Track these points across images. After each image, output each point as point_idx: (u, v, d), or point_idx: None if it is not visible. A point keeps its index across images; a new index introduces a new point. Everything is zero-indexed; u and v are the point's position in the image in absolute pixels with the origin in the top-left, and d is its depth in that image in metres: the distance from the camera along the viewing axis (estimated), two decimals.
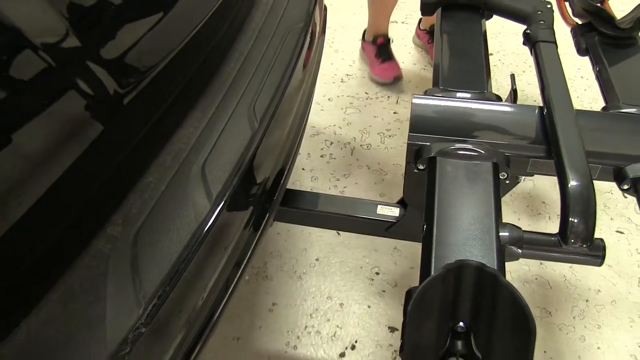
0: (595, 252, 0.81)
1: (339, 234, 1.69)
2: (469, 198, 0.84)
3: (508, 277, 1.59)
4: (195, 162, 0.76)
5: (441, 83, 1.08)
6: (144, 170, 0.73)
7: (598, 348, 1.46)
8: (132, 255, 0.64)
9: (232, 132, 0.82)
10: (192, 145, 0.79)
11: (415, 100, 0.98)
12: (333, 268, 1.61)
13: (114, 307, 0.59)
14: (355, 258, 1.62)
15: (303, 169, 1.92)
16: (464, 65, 1.12)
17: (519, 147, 0.93)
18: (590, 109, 1.03)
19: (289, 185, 1.13)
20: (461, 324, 0.70)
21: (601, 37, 1.23)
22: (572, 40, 1.31)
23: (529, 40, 1.15)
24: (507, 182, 0.98)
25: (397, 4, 2.23)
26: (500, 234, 0.80)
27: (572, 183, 0.82)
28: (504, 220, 0.84)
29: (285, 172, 0.98)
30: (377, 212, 1.16)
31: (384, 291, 1.55)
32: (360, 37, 2.43)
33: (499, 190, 0.87)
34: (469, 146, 0.91)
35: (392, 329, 1.46)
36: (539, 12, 1.20)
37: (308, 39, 1.07)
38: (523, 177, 0.99)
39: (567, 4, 1.39)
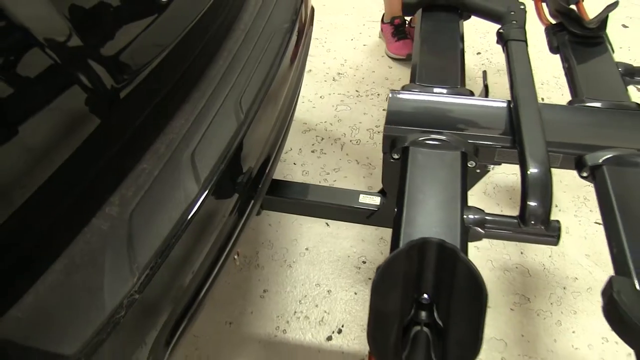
0: (551, 233, 0.89)
1: (327, 224, 1.77)
2: (437, 184, 0.92)
3: (490, 266, 1.68)
4: (186, 150, 0.84)
5: (417, 79, 1.15)
6: (139, 158, 0.81)
7: (573, 332, 1.54)
8: (127, 232, 0.71)
9: (219, 124, 0.90)
10: (183, 135, 0.86)
11: (392, 95, 1.06)
12: (322, 257, 1.68)
13: (110, 276, 0.67)
14: (343, 248, 1.70)
15: (294, 163, 1.99)
16: (440, 62, 1.20)
17: (486, 138, 1.01)
18: (557, 103, 1.11)
19: (280, 178, 1.20)
20: (425, 296, 0.78)
21: (571, 36, 1.30)
22: (545, 38, 1.39)
23: (502, 38, 1.23)
24: (478, 171, 1.06)
25: None
26: (465, 216, 0.88)
27: (532, 170, 0.90)
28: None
29: (271, 162, 1.05)
30: (359, 201, 1.23)
31: (370, 279, 1.62)
32: (380, 21, 2.63)
33: (466, 176, 0.95)
34: (440, 137, 0.99)
35: None
36: (512, 13, 1.28)
37: (293, 39, 1.14)
38: (492, 166, 1.06)
39: (543, 4, 1.48)
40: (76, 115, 0.71)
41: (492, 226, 0.89)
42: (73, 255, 0.68)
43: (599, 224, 1.83)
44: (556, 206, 1.85)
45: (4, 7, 0.59)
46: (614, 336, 1.40)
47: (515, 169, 0.97)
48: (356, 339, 1.49)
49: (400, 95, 1.07)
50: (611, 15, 1.32)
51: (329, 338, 1.49)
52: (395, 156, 1.01)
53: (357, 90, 2.36)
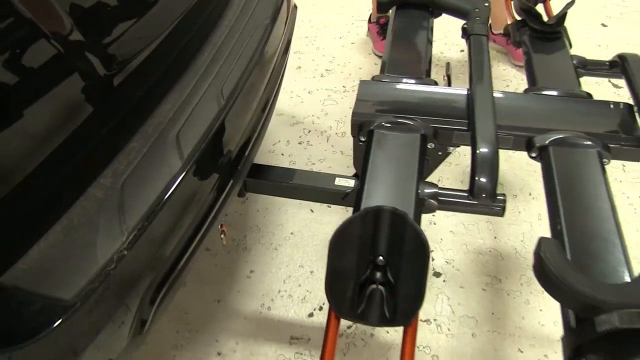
0: (497, 204, 1.00)
1: (312, 211, 1.88)
2: (397, 162, 1.03)
3: (464, 249, 1.79)
4: (171, 131, 0.95)
5: (387, 70, 1.26)
6: (130, 137, 0.92)
7: (540, 310, 1.64)
8: (118, 200, 0.82)
9: (202, 109, 1.01)
10: (169, 118, 0.97)
11: (361, 84, 1.17)
12: (306, 241, 1.79)
13: (103, 235, 0.78)
14: (325, 232, 1.81)
15: (282, 154, 2.10)
16: (408, 55, 1.31)
17: (444, 122, 1.12)
18: (512, 91, 1.22)
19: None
20: (381, 258, 0.88)
21: (531, 31, 1.42)
22: (511, 34, 1.50)
23: (465, 32, 1.34)
24: (439, 153, 1.16)
25: None
26: (419, 190, 0.98)
27: (481, 150, 1.01)
28: None
29: (251, 144, 1.16)
30: (335, 184, 1.33)
31: None
32: (367, 20, 2.74)
33: (424, 156, 1.06)
34: (402, 121, 1.10)
35: None
36: (477, 10, 1.39)
37: (273, 35, 1.25)
38: (452, 148, 1.17)
39: (512, 3, 1.59)
40: (75, 99, 0.83)
41: (444, 199, 1.00)
42: (71, 218, 0.79)
43: None
44: (530, 194, 1.95)
45: (14, 2, 0.70)
46: None
47: None
48: None
49: (369, 84, 1.18)
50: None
51: (311, 315, 1.60)
52: (362, 139, 1.12)
53: (344, 86, 2.46)
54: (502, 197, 1.00)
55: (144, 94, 0.98)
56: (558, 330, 1.58)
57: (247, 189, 1.39)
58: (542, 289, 1.67)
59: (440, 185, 1.01)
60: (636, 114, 1.15)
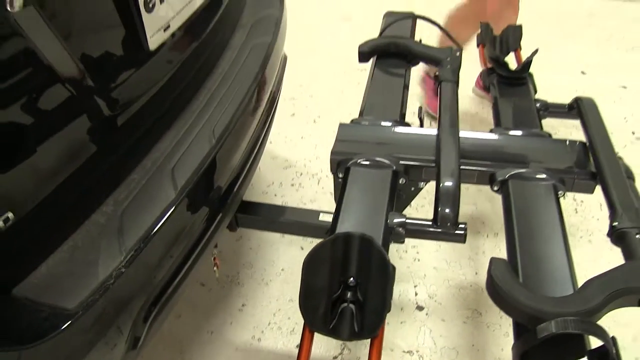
0: (459, 232, 1.10)
1: (302, 248, 1.98)
2: (369, 195, 1.14)
3: (446, 285, 1.87)
4: (167, 166, 1.07)
5: (364, 114, 1.39)
6: (131, 170, 1.04)
7: None
8: (118, 224, 0.93)
9: (196, 147, 1.13)
10: (166, 154, 1.09)
11: (340, 126, 1.29)
12: (296, 276, 1.88)
13: (104, 254, 0.88)
14: None
15: (275, 195, 2.22)
16: (384, 100, 1.44)
17: (414, 159, 1.24)
18: (478, 131, 1.34)
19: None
20: (351, 279, 0.98)
21: (499, 77, 1.56)
22: (482, 79, 1.64)
23: (437, 79, 1.47)
24: (412, 188, 1.28)
25: None
26: (388, 220, 1.09)
27: (444, 183, 1.12)
28: None
29: (239, 181, 1.28)
30: (319, 219, 1.45)
31: None
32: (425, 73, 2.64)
33: (395, 190, 1.17)
34: (375, 158, 1.22)
35: None
36: (448, 59, 1.53)
37: (262, 81, 1.39)
38: (422, 183, 1.28)
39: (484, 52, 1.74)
40: (84, 136, 0.95)
41: (412, 227, 1.11)
42: (76, 239, 0.90)
43: None
44: None
45: (38, 52, 0.82)
46: None
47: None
48: (322, 347, 1.67)
49: (347, 126, 1.31)
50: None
51: (298, 346, 1.68)
52: (340, 175, 1.24)
53: (334, 131, 2.59)
54: (463, 226, 1.11)
55: (144, 132, 1.10)
56: None
57: (239, 224, 1.50)
58: None
59: (409, 215, 1.12)
60: (589, 151, 1.27)
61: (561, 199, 1.18)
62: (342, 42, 3.19)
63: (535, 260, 1.00)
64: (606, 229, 1.08)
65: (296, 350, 1.66)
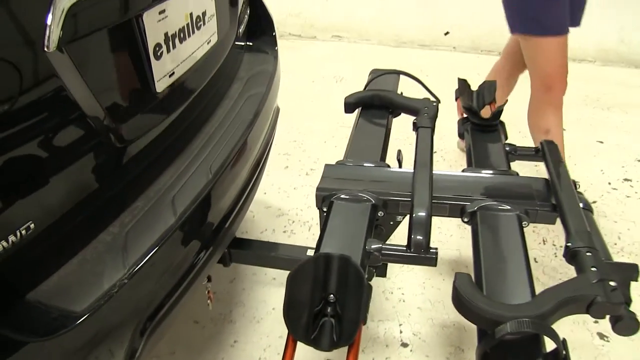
0: (430, 256, 1.22)
1: None
2: (350, 225, 1.26)
3: (431, 323, 1.98)
4: (168, 196, 1.19)
5: (348, 156, 1.53)
6: (136, 199, 1.16)
7: None
8: (122, 243, 1.05)
9: (194, 181, 1.26)
10: (167, 186, 1.22)
11: (325, 166, 1.43)
12: None
13: (109, 268, 1.00)
14: None
15: (268, 240, 2.33)
16: (366, 145, 1.58)
17: (392, 195, 1.36)
18: (451, 171, 1.48)
19: None
20: (332, 295, 1.09)
21: (472, 125, 1.71)
22: (457, 127, 1.80)
23: (415, 125, 1.63)
24: (391, 222, 1.40)
25: None
26: (366, 246, 1.21)
27: (417, 213, 1.24)
28: None
29: (232, 217, 1.40)
30: (306, 254, 1.56)
31: None
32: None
33: (374, 221, 1.29)
34: (357, 194, 1.34)
35: None
36: (426, 108, 1.69)
37: (256, 128, 1.54)
38: (400, 217, 1.41)
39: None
40: (98, 165, 1.07)
41: (387, 252, 1.22)
42: (85, 255, 1.01)
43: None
44: None
45: (67, 90, 0.95)
46: None
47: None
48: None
49: (332, 167, 1.45)
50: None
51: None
52: (324, 209, 1.36)
53: None
54: (434, 251, 1.23)
55: (149, 166, 1.23)
56: None
57: (232, 259, 1.61)
58: None
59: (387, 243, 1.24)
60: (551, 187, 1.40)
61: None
62: (335, 101, 3.38)
63: (498, 276, 1.11)
64: None
65: None
